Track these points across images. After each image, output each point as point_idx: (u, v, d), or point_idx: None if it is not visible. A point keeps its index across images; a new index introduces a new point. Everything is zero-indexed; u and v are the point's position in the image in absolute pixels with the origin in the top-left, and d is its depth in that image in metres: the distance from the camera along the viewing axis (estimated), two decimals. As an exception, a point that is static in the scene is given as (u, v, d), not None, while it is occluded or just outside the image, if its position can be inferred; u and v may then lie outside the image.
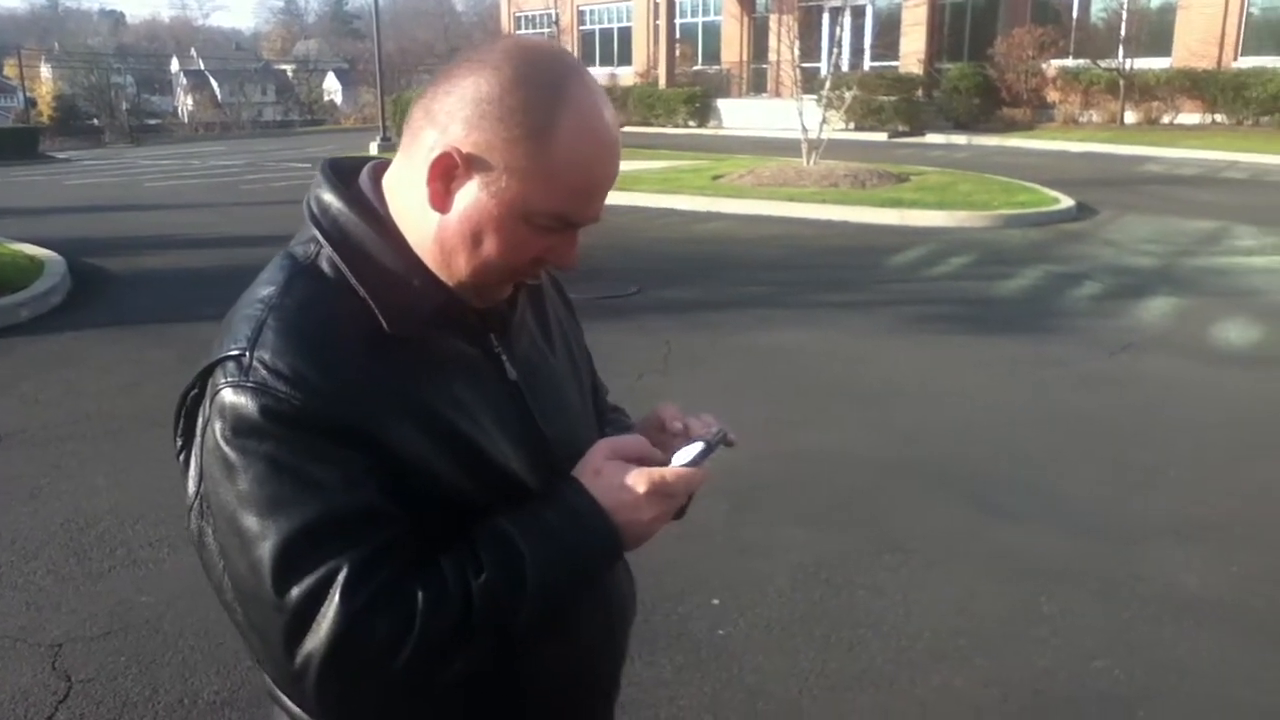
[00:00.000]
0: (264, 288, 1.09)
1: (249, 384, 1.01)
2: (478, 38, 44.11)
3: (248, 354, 1.02)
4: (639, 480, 1.07)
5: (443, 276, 1.10)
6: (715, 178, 15.06)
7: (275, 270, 1.11)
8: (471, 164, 1.04)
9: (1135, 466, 4.91)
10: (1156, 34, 23.70)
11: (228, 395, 1.02)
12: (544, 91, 1.03)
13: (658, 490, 1.07)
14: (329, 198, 1.12)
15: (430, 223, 1.08)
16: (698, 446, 1.14)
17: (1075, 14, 25.94)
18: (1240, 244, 10.58)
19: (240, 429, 1.01)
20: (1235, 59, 23.24)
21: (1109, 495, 4.59)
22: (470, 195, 1.05)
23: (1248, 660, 3.35)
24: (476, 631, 1.02)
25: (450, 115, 1.04)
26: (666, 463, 1.12)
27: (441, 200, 1.06)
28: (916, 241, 10.71)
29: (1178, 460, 4.97)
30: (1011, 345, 6.94)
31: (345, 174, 1.16)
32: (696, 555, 3.96)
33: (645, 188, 14.32)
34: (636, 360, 6.45)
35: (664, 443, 1.18)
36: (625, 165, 13.83)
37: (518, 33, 33.91)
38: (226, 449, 1.01)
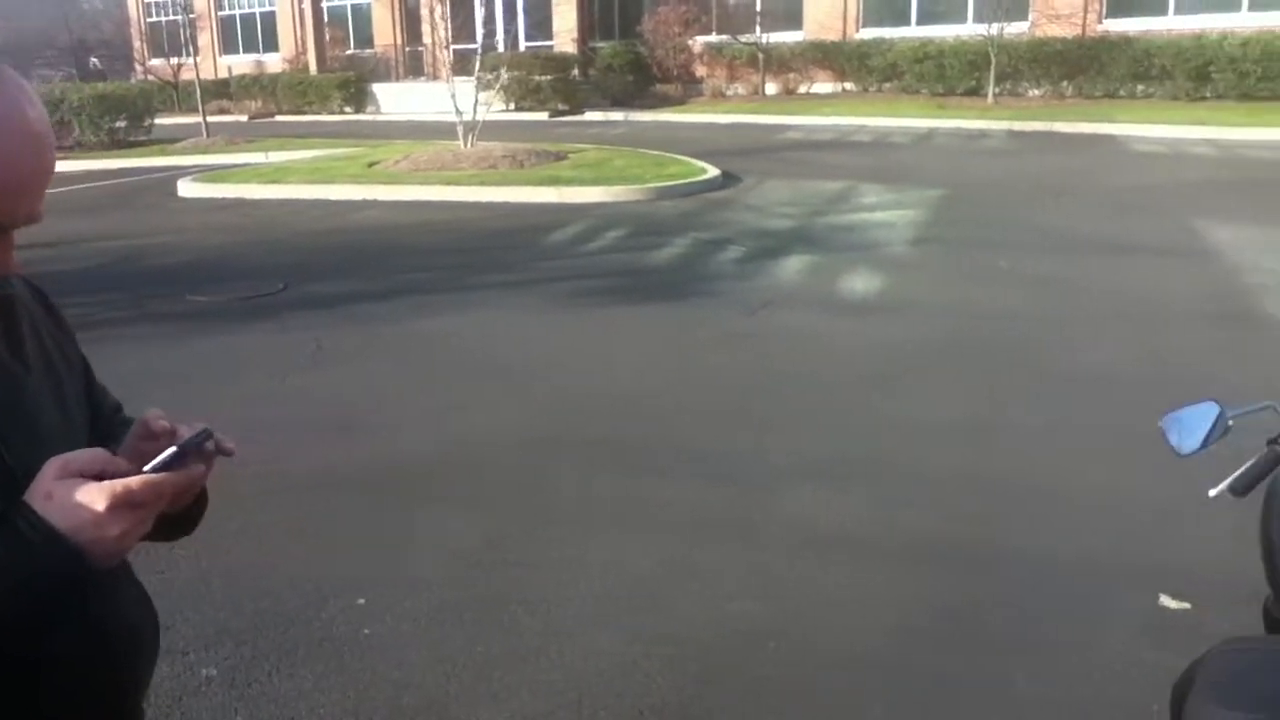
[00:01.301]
0: None
1: None
2: (107, 29, 40.50)
3: None
4: (97, 496, 0.99)
5: None
6: (370, 165, 14.66)
7: None
8: None
9: (773, 415, 5.23)
10: (789, 9, 25.41)
11: None
12: None
13: (120, 502, 0.99)
14: None
15: None
16: (170, 451, 1.06)
17: (706, -9, 27.35)
18: (865, 201, 11.55)
19: None
20: (858, 30, 25.33)
21: (749, 445, 4.86)
22: None
23: (870, 584, 3.65)
24: None
25: None
26: (138, 471, 1.04)
27: None
28: (574, 218, 10.91)
29: (810, 405, 5.35)
30: (663, 312, 7.22)
31: None
32: (340, 557, 3.83)
33: (295, 179, 13.72)
34: (281, 361, 6.17)
35: (154, 450, 1.09)
36: (275, 156, 13.11)
37: None
38: None
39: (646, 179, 12.60)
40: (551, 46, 27.09)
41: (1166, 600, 3.49)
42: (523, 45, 26.12)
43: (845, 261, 8.58)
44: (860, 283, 7.89)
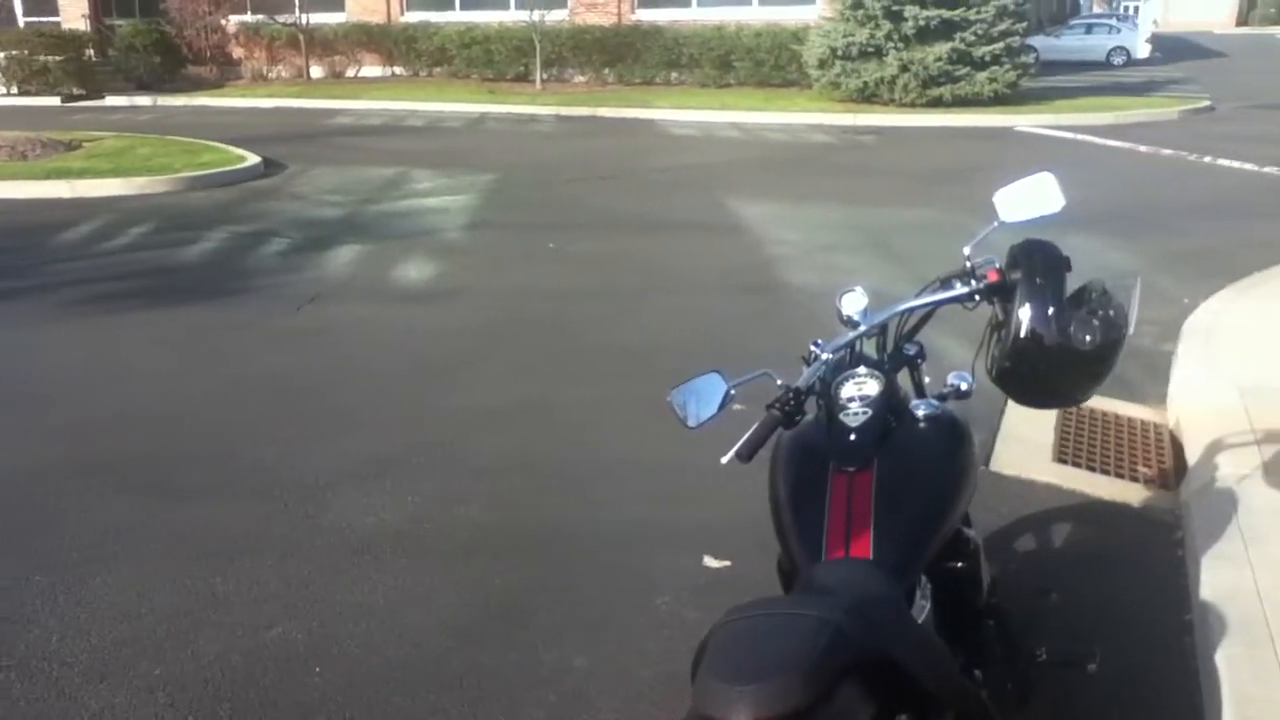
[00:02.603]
0: None
1: None
2: None
3: None
4: None
5: None
6: None
7: None
8: None
9: (321, 417, 4.90)
10: (329, -11, 24.55)
11: None
12: None
13: None
14: None
15: None
16: None
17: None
18: (418, 187, 11.34)
19: None
20: (403, 14, 24.98)
21: (293, 452, 4.51)
22: None
23: (419, 585, 3.47)
24: None
25: None
26: None
27: None
28: (90, 214, 9.74)
29: (362, 403, 5.07)
30: (194, 314, 6.58)
31: None
32: None
33: None
34: None
35: None
36: None
37: None
38: None
39: (176, 168, 11.55)
40: (59, 23, 24.19)
41: (710, 560, 3.64)
42: (21, 22, 23.08)
43: (397, 249, 8.34)
44: (413, 271, 7.69)
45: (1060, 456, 4.42)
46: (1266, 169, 12.16)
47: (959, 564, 2.16)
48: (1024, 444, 4.47)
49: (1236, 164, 12.59)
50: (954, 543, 2.16)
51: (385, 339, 6.08)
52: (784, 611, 1.63)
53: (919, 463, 2.10)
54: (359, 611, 3.33)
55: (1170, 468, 4.38)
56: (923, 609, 2.02)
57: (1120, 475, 4.30)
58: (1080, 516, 3.99)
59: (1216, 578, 3.24)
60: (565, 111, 18.88)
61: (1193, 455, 4.33)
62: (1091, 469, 4.34)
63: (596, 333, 6.11)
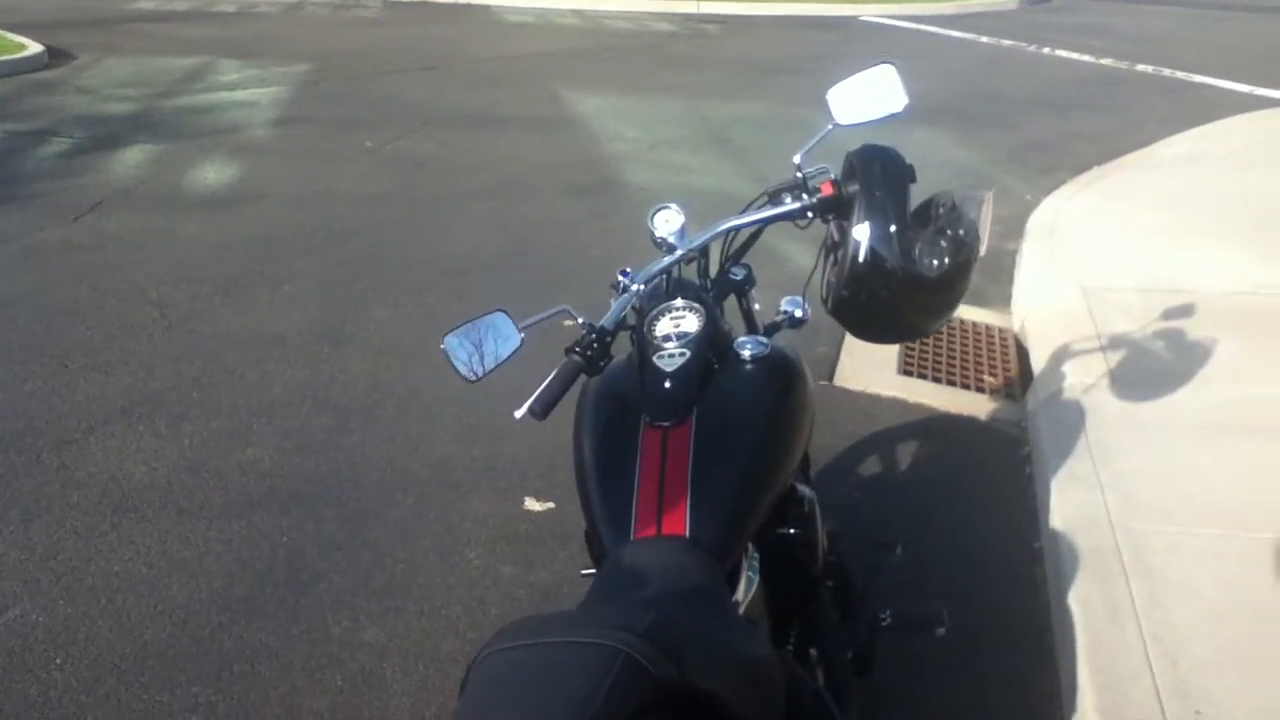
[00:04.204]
0: None
1: None
2: None
3: None
4: None
5: None
6: None
7: None
8: None
9: (84, 346, 4.27)
10: None
11: None
12: None
13: None
14: None
15: None
16: None
17: None
18: (223, 79, 10.34)
19: None
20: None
21: (50, 391, 3.89)
22: None
23: (189, 548, 2.99)
24: None
25: None
26: None
27: None
28: None
29: (136, 328, 4.45)
30: (-51, 226, 5.73)
31: None
32: None
33: None
34: None
35: None
36: None
37: None
38: None
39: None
40: None
41: (531, 503, 3.27)
42: None
43: (195, 150, 7.51)
44: (211, 174, 6.92)
45: (905, 368, 4.18)
46: (1103, 60, 12.24)
47: (791, 530, 1.81)
48: (869, 356, 4.21)
49: (1074, 55, 12.64)
50: (786, 504, 1.82)
51: (170, 253, 5.38)
52: (560, 640, 1.23)
53: (744, 414, 1.73)
54: (115, 584, 2.84)
55: (1016, 376, 4.19)
56: (750, 583, 1.68)
57: (966, 386, 4.09)
58: (925, 433, 3.76)
59: (1066, 501, 3.04)
60: (393, -4, 17.72)
61: (1038, 363, 4.15)
62: (937, 380, 4.12)
63: (409, 243, 5.56)
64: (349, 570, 2.91)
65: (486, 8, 16.88)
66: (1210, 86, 10.68)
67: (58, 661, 2.56)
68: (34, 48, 11.01)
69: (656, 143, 7.96)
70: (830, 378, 4.09)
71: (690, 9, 16.74)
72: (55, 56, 11.09)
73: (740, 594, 1.64)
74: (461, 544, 3.04)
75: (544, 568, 2.94)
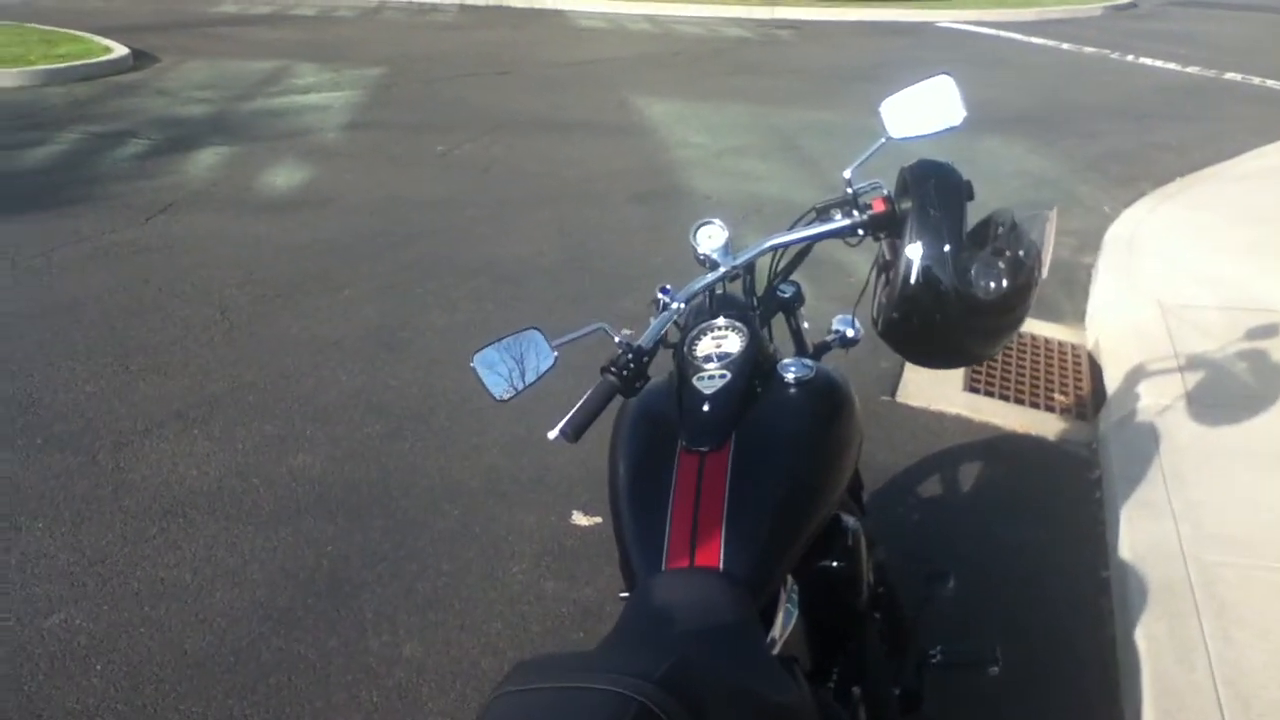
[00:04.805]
0: None
1: None
2: None
3: None
4: None
5: None
6: None
7: None
8: None
9: (146, 348, 4.30)
10: None
11: None
12: None
13: None
14: None
15: None
16: None
17: None
18: (298, 82, 10.48)
19: None
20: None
21: (110, 392, 3.93)
22: None
23: (234, 556, 2.98)
24: None
25: None
26: None
27: None
28: (-73, 112, 8.78)
29: (197, 331, 4.48)
30: (21, 227, 5.84)
31: None
32: None
33: None
34: None
35: None
36: None
37: None
38: None
39: (31, 60, 10.48)
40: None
41: (579, 517, 3.21)
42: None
43: (268, 152, 7.60)
44: (280, 177, 6.99)
45: (972, 385, 4.05)
46: (1189, 68, 11.86)
47: (834, 563, 1.72)
48: (934, 371, 4.07)
49: (1159, 63, 12.27)
50: (829, 535, 1.73)
51: (238, 255, 5.43)
52: (571, 685, 1.16)
53: (785, 441, 1.64)
54: (159, 590, 2.83)
55: (1088, 395, 4.03)
56: (789, 618, 1.60)
57: (1035, 405, 3.94)
58: (990, 453, 3.62)
59: (1136, 530, 2.90)
60: (469, 0, 17.84)
61: (1112, 382, 3.99)
62: (1005, 398, 3.98)
63: (470, 249, 5.54)
64: (392, 582, 2.88)
65: (559, 12, 16.92)
66: (1304, 95, 10.28)
67: (98, 669, 2.55)
68: (119, 50, 11.27)
69: (724, 150, 7.87)
70: (893, 393, 3.96)
71: (764, 14, 16.60)
72: (139, 59, 11.34)
73: (777, 630, 1.56)
74: (506, 558, 2.99)
75: (588, 584, 2.88)
